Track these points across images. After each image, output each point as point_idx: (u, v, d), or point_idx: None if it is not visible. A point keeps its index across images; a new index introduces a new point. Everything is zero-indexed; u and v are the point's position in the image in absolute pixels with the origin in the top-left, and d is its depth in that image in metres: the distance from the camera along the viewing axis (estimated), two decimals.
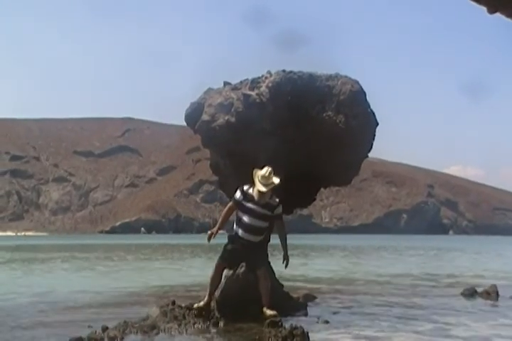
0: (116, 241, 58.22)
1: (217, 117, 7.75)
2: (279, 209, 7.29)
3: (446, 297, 10.79)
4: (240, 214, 7.23)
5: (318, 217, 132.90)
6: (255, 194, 7.11)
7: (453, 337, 6.78)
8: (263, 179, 7.06)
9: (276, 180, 7.08)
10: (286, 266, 7.47)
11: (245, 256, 7.29)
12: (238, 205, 7.23)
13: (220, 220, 7.42)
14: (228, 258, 7.32)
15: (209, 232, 7.30)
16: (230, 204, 7.35)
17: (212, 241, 7.30)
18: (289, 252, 7.58)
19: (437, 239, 77.03)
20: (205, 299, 7.32)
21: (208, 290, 7.36)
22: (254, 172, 7.17)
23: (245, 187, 7.22)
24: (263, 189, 7.02)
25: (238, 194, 7.22)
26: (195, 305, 7.35)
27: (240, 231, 7.24)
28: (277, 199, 7.23)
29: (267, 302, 7.08)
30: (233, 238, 7.32)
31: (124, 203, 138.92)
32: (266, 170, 7.08)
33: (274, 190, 7.17)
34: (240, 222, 7.25)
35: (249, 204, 7.15)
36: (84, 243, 52.59)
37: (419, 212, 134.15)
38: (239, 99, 7.70)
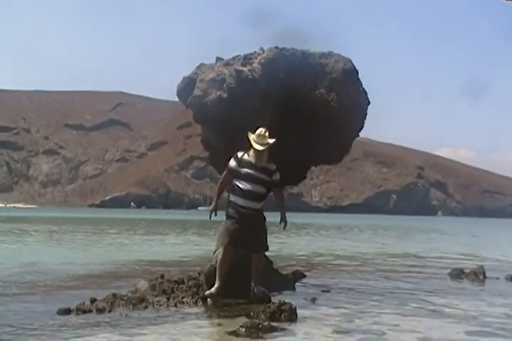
0: (105, 215, 58.28)
1: (209, 92, 7.69)
2: (277, 176, 7.15)
3: (434, 277, 10.88)
4: (237, 181, 7.04)
5: (308, 195, 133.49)
6: (252, 155, 7.01)
7: (440, 316, 6.82)
8: (259, 138, 6.98)
9: (271, 140, 7.00)
10: (284, 228, 7.48)
11: (249, 233, 7.04)
12: (234, 173, 7.06)
13: (216, 193, 7.29)
14: (234, 240, 7.07)
15: (210, 209, 7.22)
16: (225, 173, 7.20)
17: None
18: (279, 230, 7.57)
19: (425, 220, 77.69)
20: (216, 285, 7.05)
21: (218, 276, 7.10)
22: (248, 135, 7.04)
23: (239, 154, 7.08)
24: (260, 147, 6.93)
25: (233, 162, 7.07)
26: (207, 293, 7.08)
27: (240, 200, 7.04)
28: (274, 166, 7.11)
29: (257, 282, 7.05)
30: (232, 214, 7.10)
31: (114, 177, 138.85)
32: (261, 130, 7.01)
33: (271, 155, 7.05)
34: (237, 190, 7.04)
35: (246, 170, 7.00)
36: (74, 216, 52.60)
37: (408, 192, 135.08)
38: (231, 74, 7.64)
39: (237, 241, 7.06)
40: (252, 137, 7.01)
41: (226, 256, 7.09)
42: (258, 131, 7.01)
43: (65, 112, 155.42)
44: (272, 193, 7.40)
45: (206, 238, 20.65)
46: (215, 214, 7.20)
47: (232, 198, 7.09)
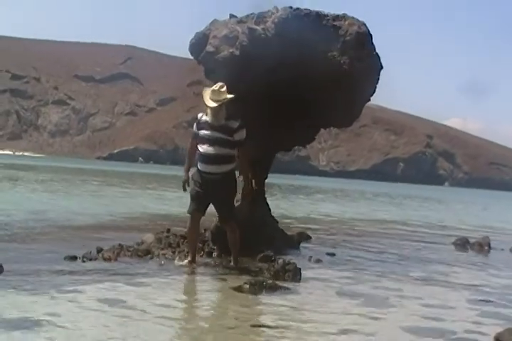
0: (114, 167, 58.51)
1: (222, 49, 7.58)
2: (241, 135, 6.49)
3: (439, 246, 10.90)
4: (198, 145, 6.55)
5: (316, 159, 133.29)
6: (208, 115, 6.49)
7: (441, 284, 6.85)
8: (214, 94, 6.38)
9: (229, 96, 6.42)
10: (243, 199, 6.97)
11: (213, 198, 6.56)
12: (197, 137, 6.61)
13: (186, 162, 6.75)
14: (198, 205, 6.58)
15: (182, 180, 6.68)
16: (191, 139, 6.72)
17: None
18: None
19: (432, 189, 77.75)
20: (189, 257, 6.73)
21: (190, 246, 6.82)
22: (203, 90, 6.52)
23: (199, 115, 6.64)
24: (212, 104, 6.37)
25: (194, 125, 6.65)
26: (179, 264, 6.71)
27: (201, 165, 6.52)
28: (238, 123, 6.50)
29: (234, 257, 6.75)
30: (195, 178, 6.59)
31: (123, 131, 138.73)
32: (217, 85, 6.45)
33: (237, 112, 6.59)
34: (198, 154, 6.55)
35: (204, 131, 6.48)
36: (82, 167, 52.81)
37: (416, 161, 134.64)
38: (244, 32, 7.51)
39: (201, 205, 6.58)
40: (206, 93, 6.46)
41: (192, 224, 6.65)
42: (213, 87, 6.45)
43: (74, 63, 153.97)
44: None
45: None
46: (188, 185, 6.65)
47: (197, 164, 6.61)
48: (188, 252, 6.86)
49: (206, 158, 6.46)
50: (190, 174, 6.70)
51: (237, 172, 6.94)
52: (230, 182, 6.59)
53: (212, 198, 6.57)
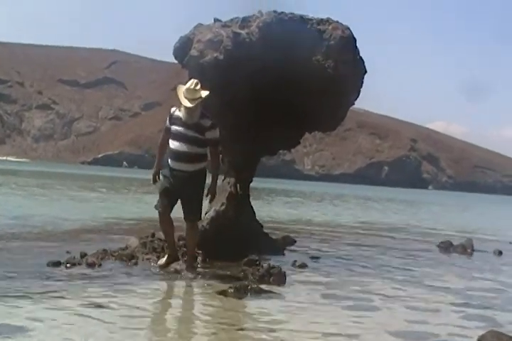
0: (97, 172, 58.21)
1: (206, 53, 7.59)
2: (214, 134, 6.40)
3: (422, 248, 10.96)
4: (169, 141, 6.42)
5: (301, 163, 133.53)
6: (182, 112, 6.35)
7: (426, 287, 6.88)
8: (189, 93, 6.25)
9: (204, 93, 6.30)
10: (210, 201, 6.90)
11: (182, 194, 6.44)
12: (169, 132, 6.49)
13: (157, 156, 6.69)
14: (166, 201, 6.49)
15: (152, 173, 6.59)
16: (163, 133, 6.60)
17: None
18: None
19: (416, 192, 78.16)
20: (167, 255, 6.69)
21: (167, 240, 6.79)
22: (177, 88, 6.38)
23: (172, 110, 6.51)
24: (189, 104, 6.22)
25: (167, 119, 6.51)
26: (159, 263, 6.70)
27: (171, 161, 6.42)
28: (211, 122, 6.41)
29: (190, 256, 6.63)
30: (165, 173, 6.51)
31: (107, 135, 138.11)
32: (191, 83, 6.31)
33: (211, 112, 6.56)
34: (169, 150, 6.43)
35: (176, 127, 6.37)
36: (66, 172, 52.46)
37: (400, 165, 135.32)
38: (228, 36, 7.53)
39: (170, 201, 6.51)
40: (181, 91, 6.32)
41: (163, 218, 6.60)
42: (188, 85, 6.31)
43: (59, 68, 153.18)
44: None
45: None
46: (158, 178, 6.56)
47: (168, 160, 6.52)
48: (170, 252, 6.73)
49: (177, 155, 6.38)
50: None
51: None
52: (199, 180, 6.46)
53: (180, 194, 6.46)
